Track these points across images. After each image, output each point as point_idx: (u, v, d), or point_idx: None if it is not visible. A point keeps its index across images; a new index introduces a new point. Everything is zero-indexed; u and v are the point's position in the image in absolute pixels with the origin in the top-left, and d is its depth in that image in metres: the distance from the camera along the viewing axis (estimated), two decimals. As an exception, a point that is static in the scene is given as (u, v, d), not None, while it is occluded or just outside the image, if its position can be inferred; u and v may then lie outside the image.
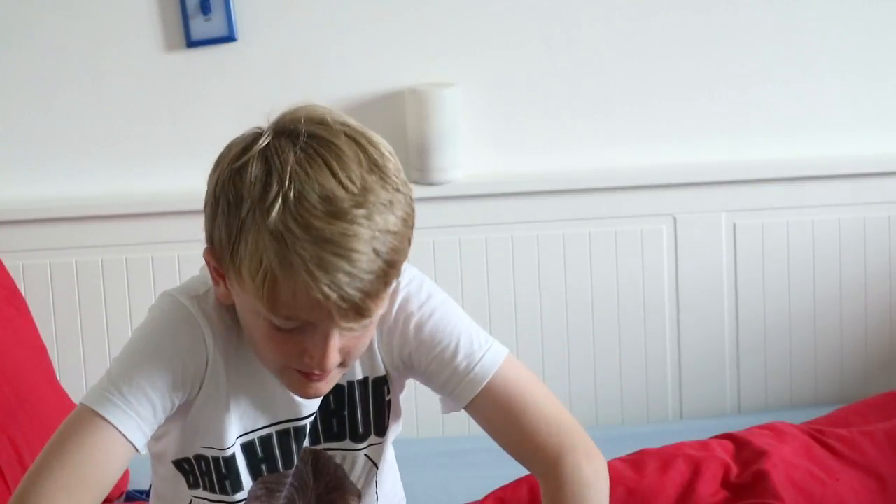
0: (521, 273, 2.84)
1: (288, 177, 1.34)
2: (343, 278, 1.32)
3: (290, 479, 1.56)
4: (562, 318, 2.86)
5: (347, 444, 1.57)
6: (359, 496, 1.60)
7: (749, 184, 2.86)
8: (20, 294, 2.56)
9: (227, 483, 1.53)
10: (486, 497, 2.16)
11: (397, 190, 1.38)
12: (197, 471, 1.54)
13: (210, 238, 1.42)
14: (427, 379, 1.54)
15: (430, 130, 2.74)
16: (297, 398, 1.50)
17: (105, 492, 1.45)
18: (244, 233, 1.35)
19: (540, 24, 2.81)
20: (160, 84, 2.77)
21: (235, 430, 1.51)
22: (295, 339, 1.39)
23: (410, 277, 1.53)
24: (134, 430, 1.43)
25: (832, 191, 2.86)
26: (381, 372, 1.54)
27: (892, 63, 2.88)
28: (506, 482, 2.18)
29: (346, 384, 1.53)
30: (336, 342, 1.38)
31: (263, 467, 1.54)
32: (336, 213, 1.33)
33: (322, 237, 1.32)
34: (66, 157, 2.77)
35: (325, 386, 1.45)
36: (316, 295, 1.32)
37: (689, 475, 2.13)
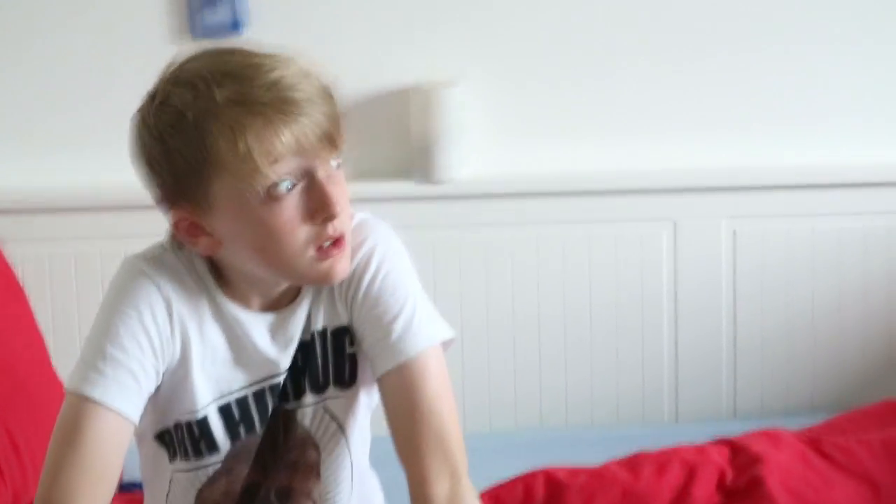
0: (520, 274, 2.84)
1: (207, 72, 1.45)
2: (305, 105, 1.42)
3: (262, 439, 1.58)
4: (560, 319, 2.86)
5: (308, 397, 1.58)
6: (317, 448, 1.61)
7: (750, 191, 2.86)
8: (18, 283, 2.56)
9: (203, 445, 1.55)
10: (482, 495, 2.16)
11: None
12: (175, 441, 1.56)
13: (170, 195, 1.47)
14: (361, 337, 1.56)
15: (433, 129, 2.74)
16: (270, 354, 1.53)
17: (119, 471, 1.49)
18: (201, 130, 1.42)
19: (545, 26, 2.81)
20: (164, 75, 2.77)
21: (208, 392, 1.53)
22: (298, 204, 1.44)
23: (380, 237, 1.59)
24: (126, 404, 1.46)
25: (833, 200, 2.86)
26: (343, 321, 1.57)
27: (895, 72, 2.88)
28: (499, 481, 2.18)
29: (310, 336, 1.56)
30: (328, 183, 1.45)
31: (241, 430, 1.56)
32: (265, 67, 1.43)
33: (269, 82, 1.42)
34: (69, 147, 2.77)
35: (346, 262, 1.49)
36: (292, 126, 1.41)
37: (685, 479, 2.13)
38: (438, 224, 2.79)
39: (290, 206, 1.44)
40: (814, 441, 2.27)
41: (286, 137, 1.41)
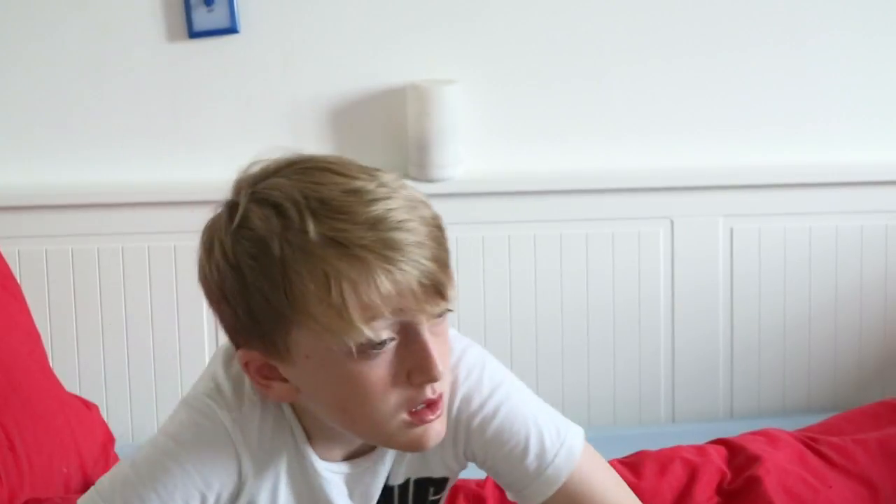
0: (517, 272, 2.84)
1: (299, 195, 1.22)
2: (412, 249, 1.22)
3: None
4: (556, 317, 2.86)
5: None
6: None
7: (747, 189, 2.86)
8: (15, 280, 2.56)
9: None
10: (484, 481, 2.16)
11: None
12: None
13: (242, 332, 1.28)
14: (495, 475, 1.43)
15: (430, 127, 2.74)
16: None
17: None
18: (289, 270, 1.21)
19: (542, 24, 2.81)
20: (161, 74, 2.77)
21: None
22: (393, 361, 1.26)
23: (469, 369, 1.40)
24: None
25: (830, 198, 2.87)
26: (432, 474, 1.43)
27: (893, 71, 2.88)
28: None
29: (396, 487, 1.43)
30: (431, 340, 1.25)
31: None
32: (368, 196, 1.22)
33: (372, 219, 1.21)
34: (66, 145, 2.77)
35: (441, 425, 1.31)
36: (396, 275, 1.21)
37: (686, 479, 2.13)
38: (435, 222, 2.79)
39: (384, 365, 1.25)
40: (811, 441, 2.27)
41: (386, 288, 1.21)
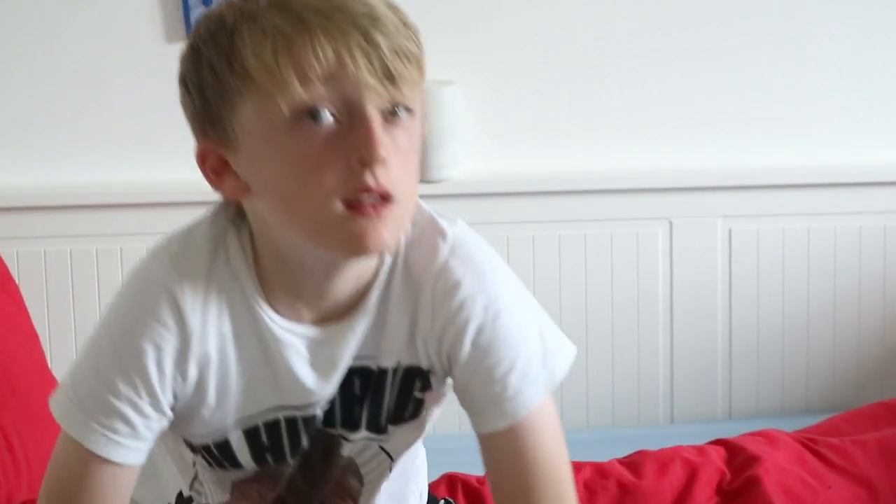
0: (515, 272, 2.83)
1: None
2: (363, 20, 1.17)
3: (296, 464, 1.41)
4: (555, 318, 2.84)
5: (362, 432, 1.39)
6: (360, 480, 1.44)
7: (746, 190, 2.86)
8: (13, 281, 2.56)
9: (226, 463, 1.39)
10: (484, 478, 2.16)
11: None
12: (197, 450, 1.40)
13: (197, 120, 1.26)
14: (463, 388, 1.36)
15: (428, 128, 2.74)
16: (307, 381, 1.31)
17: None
18: (234, 35, 1.19)
19: (540, 25, 2.81)
20: (160, 74, 2.75)
21: (230, 414, 1.34)
22: (333, 141, 1.18)
23: (476, 260, 1.38)
24: (133, 455, 1.31)
25: (828, 199, 2.87)
26: (419, 363, 1.35)
27: (891, 72, 2.88)
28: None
29: (375, 370, 1.34)
30: (379, 127, 1.19)
31: (269, 457, 1.38)
32: None
33: None
34: (64, 146, 2.77)
35: (386, 229, 1.21)
36: (336, 37, 1.15)
37: (686, 479, 2.14)
38: (434, 223, 2.79)
39: (321, 137, 1.18)
40: (810, 442, 2.27)
41: (326, 52, 1.16)
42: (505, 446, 1.35)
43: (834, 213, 2.87)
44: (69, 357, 2.74)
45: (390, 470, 1.45)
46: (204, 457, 1.39)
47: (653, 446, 2.27)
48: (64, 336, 2.75)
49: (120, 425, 1.28)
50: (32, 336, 2.50)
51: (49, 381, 2.43)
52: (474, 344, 1.32)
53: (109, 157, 2.78)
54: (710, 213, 2.86)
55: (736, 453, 2.21)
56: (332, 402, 1.36)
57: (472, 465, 2.27)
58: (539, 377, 1.36)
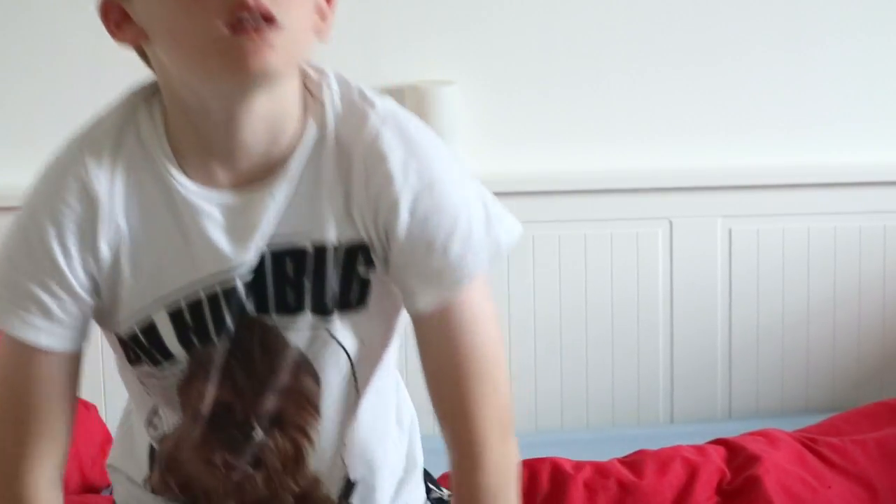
0: (515, 273, 2.84)
1: None
2: None
3: (227, 351, 1.34)
4: (555, 318, 2.86)
5: (305, 315, 1.32)
6: (316, 378, 1.35)
7: (746, 190, 2.86)
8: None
9: (157, 354, 1.35)
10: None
11: None
12: (129, 347, 1.36)
13: None
14: (403, 265, 1.30)
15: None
16: (221, 246, 1.28)
17: (67, 408, 1.35)
18: None
19: (540, 25, 2.81)
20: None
21: (149, 292, 1.31)
22: None
23: (406, 128, 1.35)
24: (53, 339, 1.31)
25: (828, 199, 2.87)
26: (358, 238, 1.30)
27: (891, 72, 2.88)
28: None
29: (311, 249, 1.30)
30: None
31: (194, 338, 1.33)
32: None
33: None
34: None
35: (270, 52, 1.20)
36: None
37: (686, 479, 2.14)
38: (434, 223, 2.79)
39: None
40: (810, 441, 2.27)
41: None
42: (442, 326, 1.31)
43: (834, 213, 2.87)
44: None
45: (353, 372, 1.36)
46: (137, 353, 1.35)
47: (653, 446, 2.28)
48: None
49: (32, 306, 1.29)
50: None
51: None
52: (412, 213, 1.28)
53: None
54: (710, 213, 2.86)
55: (736, 453, 2.21)
56: (260, 285, 1.31)
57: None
58: (482, 244, 1.34)
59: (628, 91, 2.85)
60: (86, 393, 2.66)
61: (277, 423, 1.36)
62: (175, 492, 1.44)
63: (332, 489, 1.41)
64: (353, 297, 1.33)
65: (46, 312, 1.29)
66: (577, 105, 2.85)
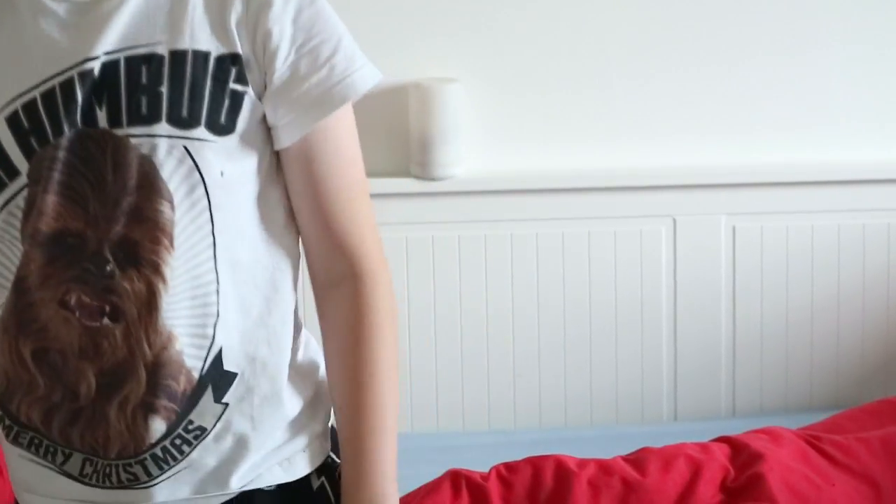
0: (519, 270, 2.84)
1: None
2: None
3: (72, 166, 1.22)
4: (559, 315, 2.86)
5: (162, 127, 1.21)
6: (171, 203, 1.23)
7: (750, 187, 2.86)
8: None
9: (2, 170, 1.23)
10: (490, 471, 2.17)
11: None
12: None
13: None
14: (285, 89, 1.24)
15: (432, 125, 2.74)
16: (61, 44, 1.20)
17: None
18: None
19: (544, 23, 2.81)
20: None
21: None
22: None
23: None
24: None
25: (832, 196, 2.86)
26: (234, 49, 1.22)
27: (894, 70, 2.88)
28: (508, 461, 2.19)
29: (168, 55, 1.21)
30: None
31: (33, 140, 1.21)
32: None
33: None
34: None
35: None
36: None
37: (690, 476, 2.14)
38: (437, 221, 2.78)
39: None
40: (814, 439, 2.27)
41: None
42: (316, 151, 1.27)
43: (837, 211, 2.87)
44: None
45: (210, 209, 1.24)
46: None
47: (657, 443, 2.27)
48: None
49: None
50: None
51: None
52: (295, 23, 1.24)
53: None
54: (714, 211, 2.86)
55: (740, 450, 2.21)
56: (113, 94, 1.21)
57: (476, 463, 2.29)
58: (364, 64, 1.29)
59: (632, 89, 2.84)
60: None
61: (131, 256, 1.23)
62: (26, 371, 1.26)
63: (191, 353, 1.25)
64: (222, 115, 1.23)
65: None
66: (581, 103, 2.84)
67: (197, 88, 1.22)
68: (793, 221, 2.87)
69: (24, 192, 1.22)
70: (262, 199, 1.28)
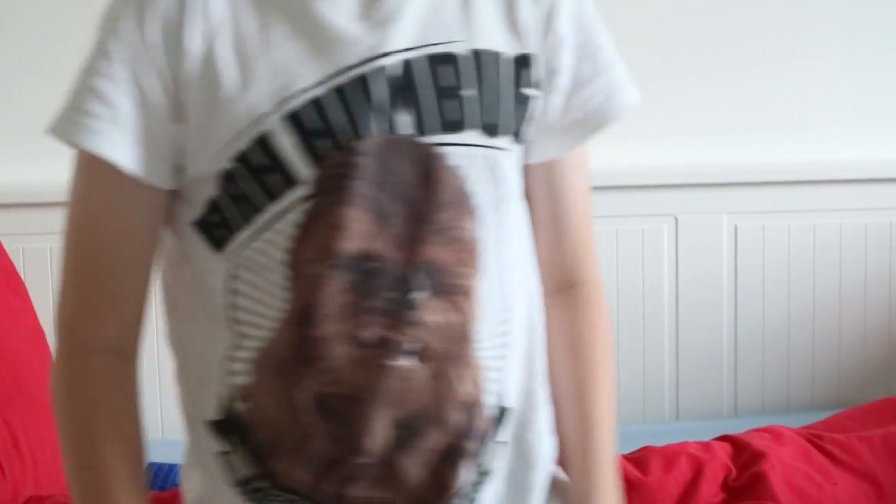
0: (521, 269, 2.84)
1: None
2: None
3: (372, 170, 1.04)
4: (561, 315, 2.86)
5: (470, 135, 1.08)
6: (476, 219, 1.08)
7: (751, 186, 2.86)
8: (19, 277, 2.56)
9: (271, 180, 1.04)
10: None
11: None
12: (226, 199, 1.06)
13: None
14: (570, 91, 1.14)
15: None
16: (351, 33, 1.04)
17: (144, 267, 1.10)
18: None
19: (546, 21, 2.81)
20: (165, 71, 2.77)
21: (261, 92, 1.04)
22: None
23: None
24: (118, 149, 1.05)
25: (834, 195, 2.86)
26: (525, 49, 1.11)
27: (897, 69, 2.88)
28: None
29: (465, 53, 1.07)
30: None
31: (320, 143, 1.04)
32: None
33: None
34: (68, 142, 2.77)
35: None
36: None
37: (692, 475, 2.14)
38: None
39: None
40: (815, 438, 2.27)
41: None
42: (576, 163, 1.17)
43: (839, 210, 2.87)
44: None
45: (507, 214, 1.12)
46: (240, 208, 1.06)
47: (658, 442, 2.27)
48: (69, 332, 2.74)
49: (96, 105, 1.07)
50: (38, 332, 2.50)
51: (54, 378, 2.43)
52: (579, 23, 1.16)
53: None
54: (716, 210, 2.86)
55: (741, 449, 2.21)
56: (411, 98, 1.06)
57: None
58: (629, 81, 1.20)
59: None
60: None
61: (439, 282, 1.07)
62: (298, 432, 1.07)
63: (489, 388, 1.10)
64: (519, 121, 1.12)
65: (112, 113, 1.06)
66: (583, 101, 2.84)
67: (499, 92, 1.09)
68: (795, 220, 2.87)
69: (306, 205, 1.04)
70: (522, 213, 1.18)
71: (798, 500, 2.07)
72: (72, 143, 1.09)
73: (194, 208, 1.08)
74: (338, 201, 1.03)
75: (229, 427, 1.09)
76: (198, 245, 1.09)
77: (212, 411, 1.10)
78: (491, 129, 1.09)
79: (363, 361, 1.05)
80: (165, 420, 2.73)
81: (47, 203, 2.74)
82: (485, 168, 1.09)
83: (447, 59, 1.07)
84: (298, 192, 1.04)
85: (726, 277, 2.88)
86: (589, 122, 1.16)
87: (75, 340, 1.11)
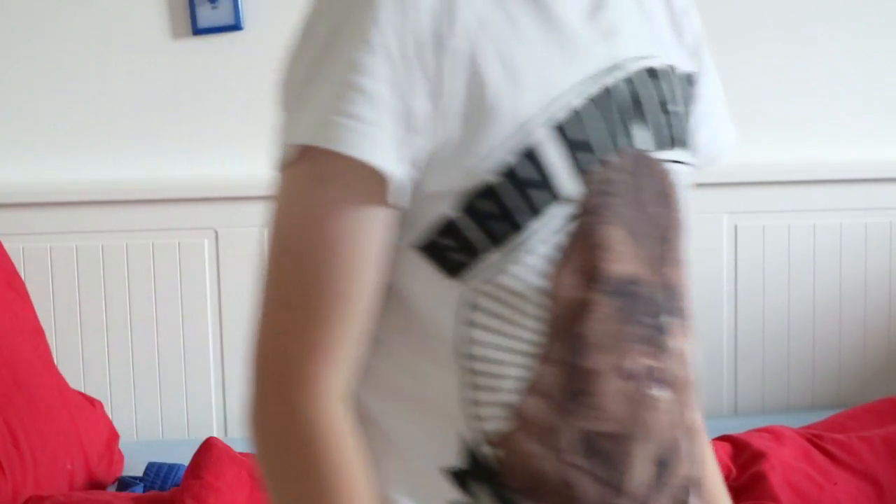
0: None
1: None
2: None
3: (628, 186, 0.98)
4: (561, 315, 2.86)
5: (683, 152, 1.03)
6: (686, 235, 1.05)
7: (751, 186, 2.86)
8: (20, 277, 2.56)
9: (533, 197, 0.94)
10: None
11: None
12: (470, 216, 0.94)
13: None
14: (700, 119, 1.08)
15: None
16: (584, 32, 0.98)
17: (372, 297, 0.93)
18: None
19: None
20: (165, 71, 2.77)
21: (532, 96, 0.93)
22: None
23: None
24: (385, 154, 0.89)
25: (834, 195, 2.86)
26: (694, 67, 1.09)
27: (897, 69, 2.88)
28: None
29: (665, 68, 1.04)
30: None
31: (580, 157, 0.95)
32: None
33: None
34: (70, 143, 2.77)
35: None
36: None
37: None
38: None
39: None
40: (815, 438, 2.27)
41: None
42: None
43: (839, 210, 2.87)
44: (75, 353, 2.75)
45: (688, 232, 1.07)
46: (494, 226, 0.94)
47: (658, 443, 2.27)
48: (69, 332, 2.75)
49: (362, 106, 0.90)
50: (38, 332, 2.50)
51: (55, 377, 2.43)
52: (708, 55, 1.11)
53: (115, 153, 2.79)
54: (716, 210, 2.86)
55: (741, 449, 2.21)
56: (638, 111, 1.00)
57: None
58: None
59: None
60: (90, 389, 2.68)
61: (674, 305, 1.01)
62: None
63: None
64: (694, 139, 1.07)
65: (377, 114, 0.90)
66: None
67: (688, 109, 1.06)
68: (794, 220, 2.87)
69: (570, 226, 0.95)
70: None
71: (798, 500, 2.07)
72: (330, 149, 0.90)
73: (417, 230, 0.95)
74: (602, 220, 0.96)
75: (473, 475, 0.97)
76: (420, 271, 0.95)
77: (452, 458, 0.97)
78: (691, 147, 1.06)
79: (629, 394, 0.97)
80: (166, 420, 2.73)
81: (47, 203, 2.75)
82: (685, 185, 1.05)
83: (656, 74, 1.02)
84: (562, 209, 0.94)
85: (726, 277, 2.88)
86: (703, 157, 1.11)
87: (304, 384, 0.93)
